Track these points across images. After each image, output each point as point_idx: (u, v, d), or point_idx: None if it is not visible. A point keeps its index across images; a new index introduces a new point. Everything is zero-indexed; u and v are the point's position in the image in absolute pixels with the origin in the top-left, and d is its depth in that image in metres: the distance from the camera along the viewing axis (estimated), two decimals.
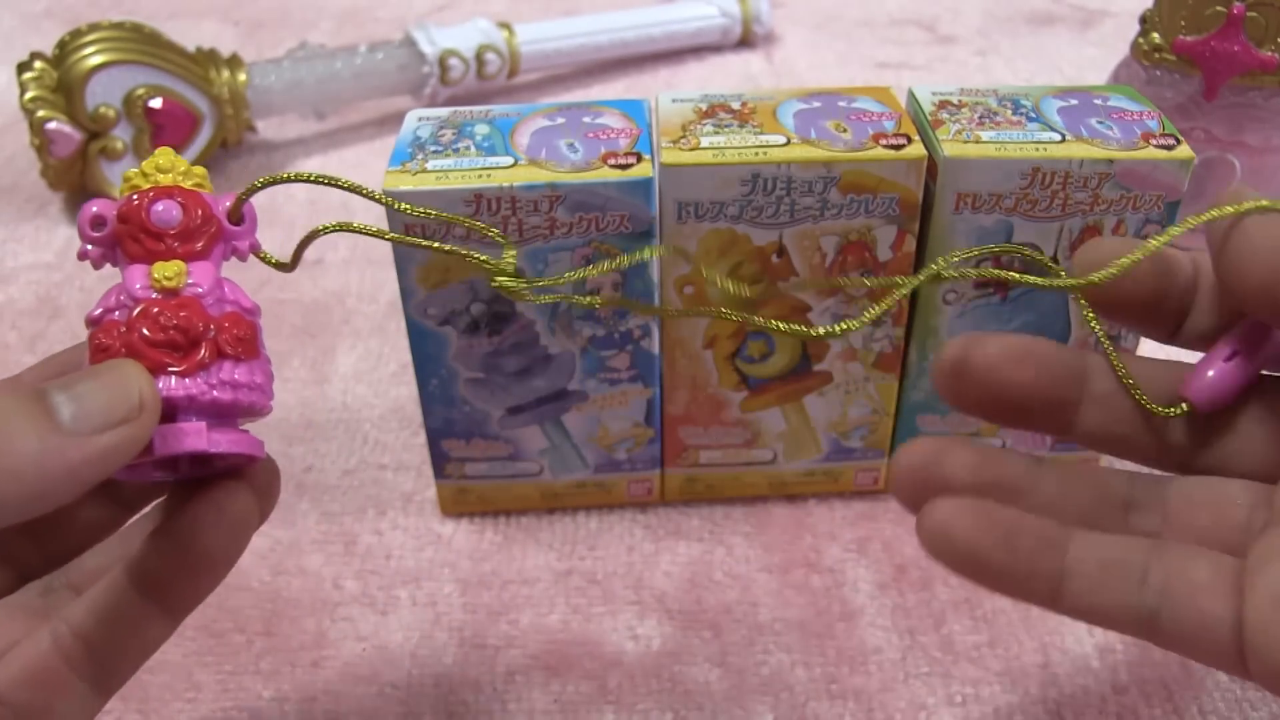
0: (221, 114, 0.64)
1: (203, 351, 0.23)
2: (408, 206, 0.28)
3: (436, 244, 0.27)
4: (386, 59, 0.70)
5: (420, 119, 0.37)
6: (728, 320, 0.27)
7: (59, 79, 0.58)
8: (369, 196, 0.27)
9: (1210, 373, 0.26)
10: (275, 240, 0.60)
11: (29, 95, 0.58)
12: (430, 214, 0.28)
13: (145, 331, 0.23)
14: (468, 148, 0.35)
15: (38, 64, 0.59)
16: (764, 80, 0.79)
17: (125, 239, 0.24)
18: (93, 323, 0.24)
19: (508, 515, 0.43)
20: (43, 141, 0.58)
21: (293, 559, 0.41)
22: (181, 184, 0.25)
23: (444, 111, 0.38)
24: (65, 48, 0.59)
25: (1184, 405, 0.26)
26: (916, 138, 0.35)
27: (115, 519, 0.27)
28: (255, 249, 0.26)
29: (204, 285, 0.24)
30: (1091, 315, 0.27)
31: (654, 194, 0.35)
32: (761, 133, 0.35)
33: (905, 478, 0.25)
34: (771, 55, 0.83)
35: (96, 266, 0.25)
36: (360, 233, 0.27)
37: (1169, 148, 0.35)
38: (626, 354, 0.38)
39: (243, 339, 0.24)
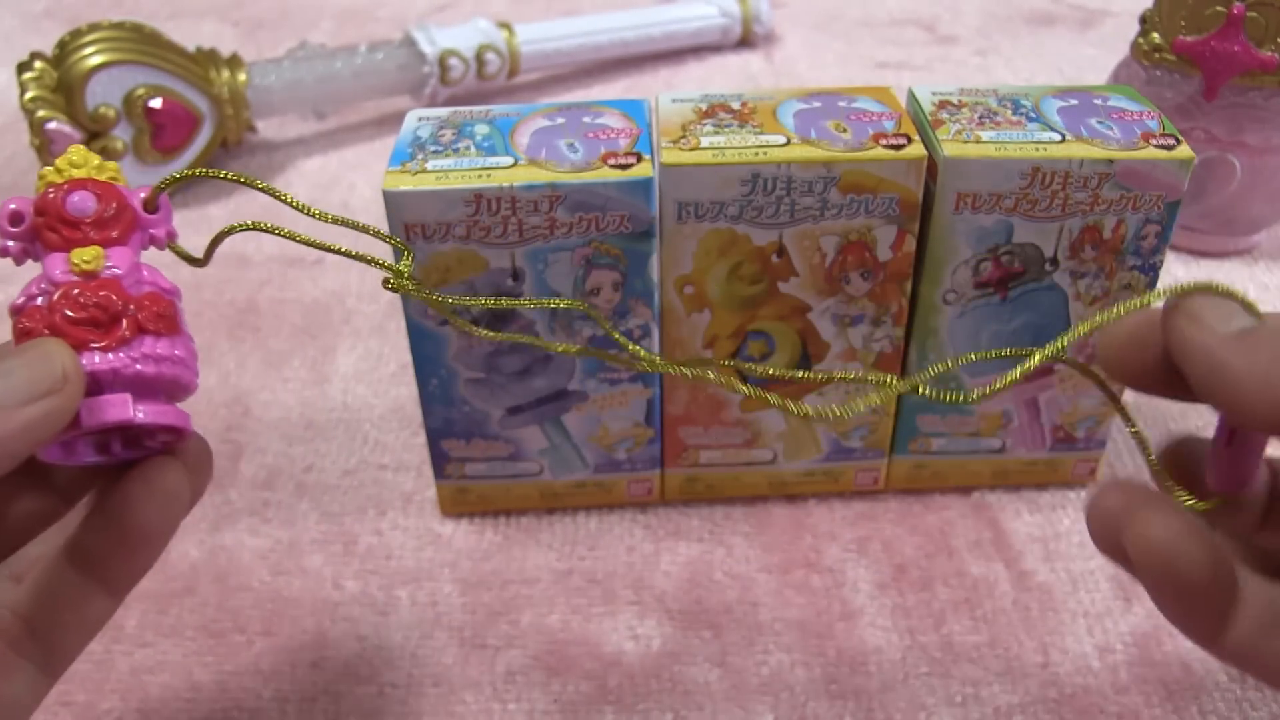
0: (221, 114, 0.64)
1: (123, 327, 0.24)
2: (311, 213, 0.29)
3: (335, 246, 0.28)
4: (386, 59, 0.70)
5: (420, 119, 0.37)
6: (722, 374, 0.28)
7: (59, 79, 0.58)
8: (286, 202, 0.28)
9: (1220, 460, 0.25)
10: (277, 239, 0.60)
11: (29, 95, 0.58)
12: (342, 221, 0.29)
13: (67, 311, 0.24)
14: (468, 148, 0.35)
15: (38, 64, 0.59)
16: (764, 80, 0.79)
17: (44, 230, 0.25)
18: (15, 311, 0.25)
19: (508, 515, 0.43)
20: (43, 141, 0.58)
21: (293, 559, 0.41)
22: (95, 177, 0.26)
23: (444, 111, 0.38)
24: (65, 48, 0.59)
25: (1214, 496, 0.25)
26: (916, 138, 0.35)
27: (55, 510, 0.28)
28: (172, 237, 0.27)
29: (122, 267, 0.25)
30: (1132, 425, 0.26)
31: (654, 194, 0.35)
32: (761, 133, 0.36)
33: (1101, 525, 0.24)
34: (771, 55, 0.83)
35: (18, 262, 0.26)
36: (271, 233, 0.28)
37: (1169, 148, 0.35)
38: (627, 354, 0.38)
39: (162, 315, 0.25)
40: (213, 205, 0.63)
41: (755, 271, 0.37)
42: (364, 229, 0.29)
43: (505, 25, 0.74)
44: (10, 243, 0.26)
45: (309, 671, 0.37)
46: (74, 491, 0.28)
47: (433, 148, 0.35)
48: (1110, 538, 0.25)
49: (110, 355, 0.24)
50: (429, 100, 0.72)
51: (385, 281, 0.28)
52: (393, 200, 0.34)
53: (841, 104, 0.37)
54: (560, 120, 0.37)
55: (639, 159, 0.35)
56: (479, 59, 0.72)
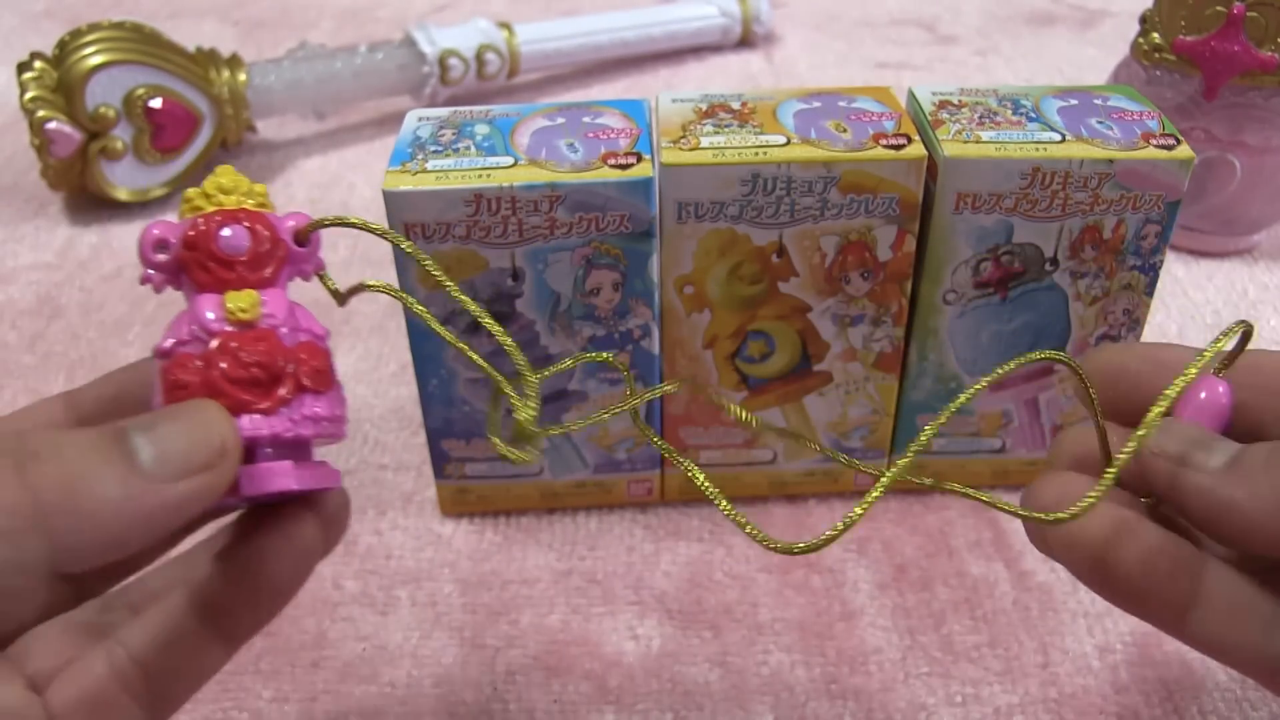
0: (221, 114, 0.64)
1: (284, 388, 0.23)
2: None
3: (466, 348, 0.26)
4: (386, 59, 0.70)
5: (420, 119, 0.37)
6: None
7: (59, 79, 0.58)
8: (404, 248, 0.26)
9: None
10: None
11: (29, 95, 0.58)
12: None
13: (224, 368, 0.22)
14: (468, 148, 0.35)
15: (38, 64, 0.59)
16: (764, 80, 0.79)
17: (193, 267, 0.23)
18: (163, 355, 0.23)
19: (508, 515, 0.43)
20: (43, 141, 0.58)
21: None
22: (246, 205, 0.24)
23: (444, 111, 0.38)
24: (65, 48, 0.59)
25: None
26: (916, 138, 0.35)
27: (175, 537, 0.27)
28: (320, 269, 0.25)
29: (278, 315, 0.23)
30: (1099, 421, 0.26)
31: (654, 194, 0.35)
32: (761, 133, 0.35)
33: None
34: (771, 55, 0.83)
35: (157, 290, 0.24)
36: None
37: (1169, 148, 0.35)
38: (626, 354, 0.38)
39: (320, 371, 0.23)
40: None
41: (755, 271, 0.37)
42: (495, 329, 0.26)
43: (505, 25, 0.74)
44: (152, 272, 0.24)
45: (309, 671, 0.37)
46: (196, 520, 0.26)
47: (433, 148, 0.35)
48: (1040, 536, 0.25)
49: (272, 420, 0.22)
50: (429, 100, 0.72)
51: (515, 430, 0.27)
52: (393, 200, 0.34)
53: (841, 104, 0.37)
54: (560, 120, 0.37)
55: (639, 159, 0.35)
56: (479, 59, 0.72)
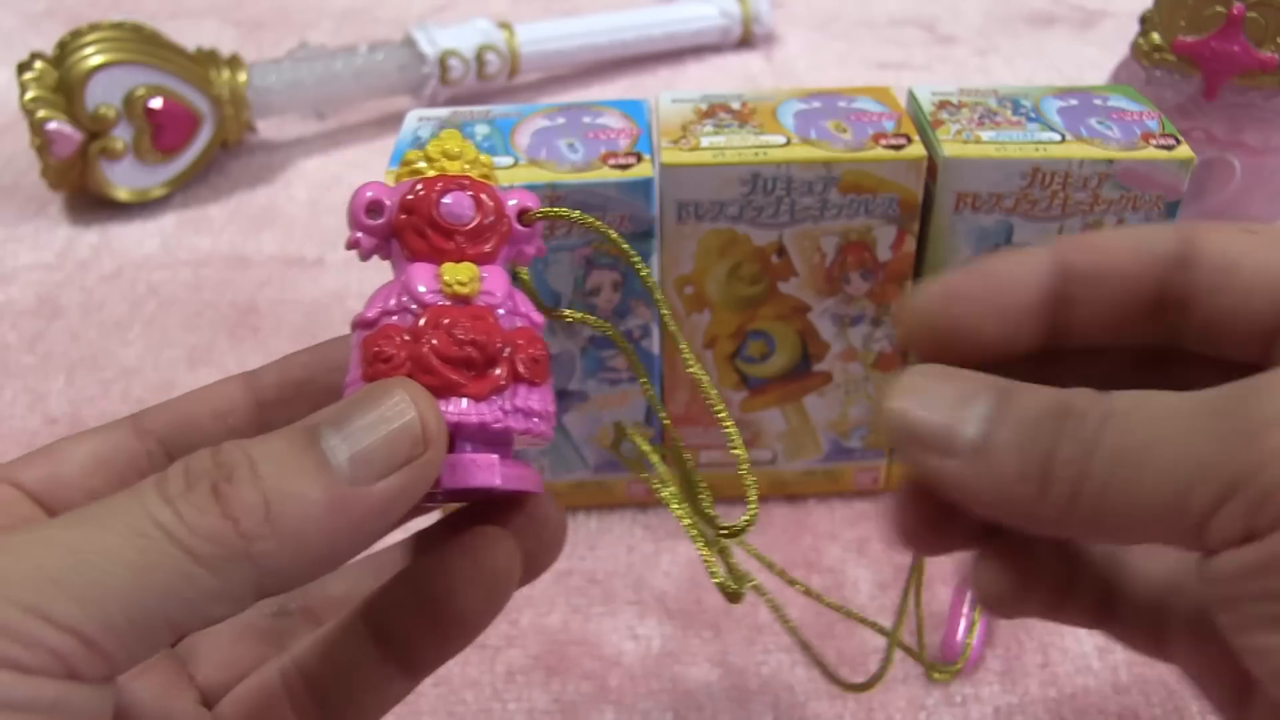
0: (221, 114, 0.64)
1: (499, 372, 0.20)
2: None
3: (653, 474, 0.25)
4: (387, 59, 0.70)
5: (420, 119, 0.37)
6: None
7: (59, 79, 0.58)
8: (631, 263, 0.24)
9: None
10: (277, 239, 0.60)
11: (29, 95, 0.58)
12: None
13: (435, 344, 0.20)
14: None
15: (38, 64, 0.59)
16: (764, 80, 0.79)
17: (408, 232, 0.21)
18: (365, 325, 0.21)
19: None
20: (43, 141, 0.58)
21: None
22: (470, 174, 0.22)
23: (444, 111, 0.38)
24: (65, 48, 0.59)
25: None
26: (916, 138, 0.35)
27: None
28: (541, 254, 0.23)
29: (497, 294, 0.21)
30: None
31: (654, 194, 0.35)
32: (761, 133, 0.36)
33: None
34: (771, 55, 0.83)
35: (364, 257, 0.22)
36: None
37: (1169, 148, 0.35)
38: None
39: (537, 360, 0.21)
40: (212, 206, 0.63)
41: (755, 271, 0.37)
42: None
43: (505, 25, 0.74)
44: (361, 235, 0.22)
45: None
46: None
47: None
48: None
49: (482, 406, 0.20)
50: (429, 100, 0.72)
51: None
52: None
53: (841, 104, 0.37)
54: (560, 120, 0.37)
55: (639, 159, 0.35)
56: (479, 59, 0.72)
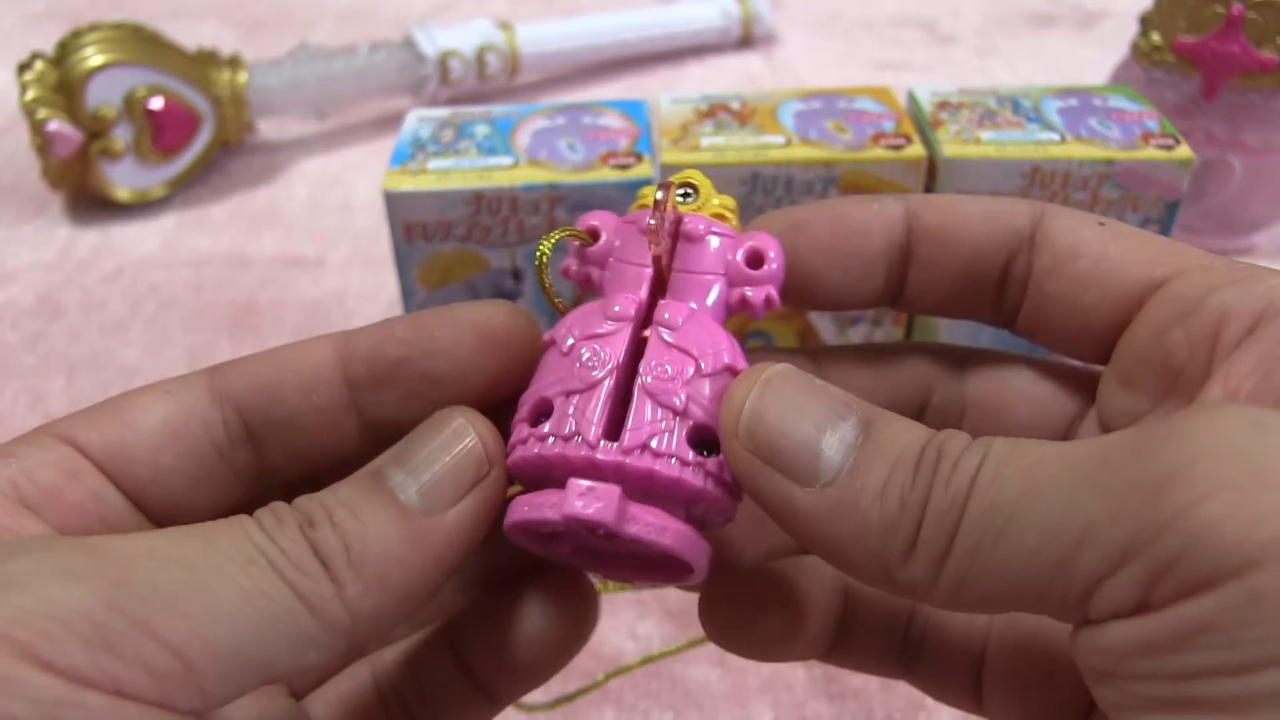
0: (221, 114, 0.64)
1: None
2: None
3: None
4: (387, 59, 0.70)
5: (421, 119, 0.37)
6: None
7: (59, 79, 0.58)
8: None
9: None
10: (278, 239, 0.60)
11: (29, 95, 0.58)
12: None
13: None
14: (468, 148, 0.35)
15: (38, 64, 0.59)
16: (764, 80, 0.79)
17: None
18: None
19: None
20: (43, 141, 0.58)
21: None
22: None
23: (444, 111, 0.38)
24: (65, 48, 0.59)
25: None
26: (916, 138, 0.35)
27: None
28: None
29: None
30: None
31: None
32: (761, 133, 0.36)
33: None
34: (771, 55, 0.83)
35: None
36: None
37: (1169, 148, 0.35)
38: None
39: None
40: (213, 206, 0.63)
41: None
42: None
43: (505, 25, 0.74)
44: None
45: None
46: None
47: (433, 148, 0.35)
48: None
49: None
50: (429, 101, 0.72)
51: None
52: (393, 200, 0.34)
53: (841, 104, 0.37)
54: (560, 120, 0.37)
55: (639, 159, 0.35)
56: (479, 59, 0.72)
